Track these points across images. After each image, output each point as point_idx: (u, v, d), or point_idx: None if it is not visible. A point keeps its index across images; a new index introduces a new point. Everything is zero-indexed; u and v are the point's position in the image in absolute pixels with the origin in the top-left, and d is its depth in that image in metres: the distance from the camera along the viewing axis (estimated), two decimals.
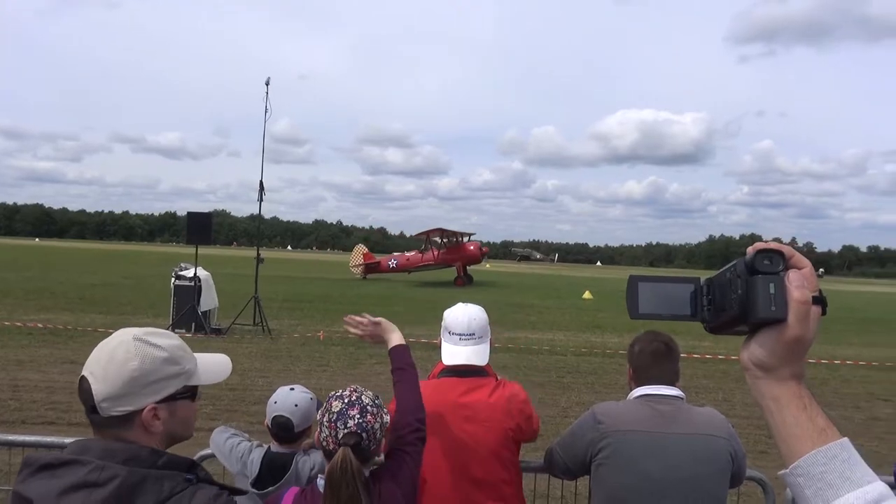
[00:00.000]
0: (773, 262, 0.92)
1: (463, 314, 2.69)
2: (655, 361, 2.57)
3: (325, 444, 1.90)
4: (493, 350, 2.73)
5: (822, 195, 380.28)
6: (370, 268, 37.54)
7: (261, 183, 14.59)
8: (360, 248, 39.81)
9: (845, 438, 0.90)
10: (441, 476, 2.47)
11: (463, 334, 2.65)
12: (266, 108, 14.46)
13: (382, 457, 2.09)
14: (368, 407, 1.93)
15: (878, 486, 0.86)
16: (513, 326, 18.33)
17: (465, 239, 37.69)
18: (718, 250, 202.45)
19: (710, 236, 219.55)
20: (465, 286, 34.07)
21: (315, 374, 10.19)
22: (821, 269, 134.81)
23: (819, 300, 0.92)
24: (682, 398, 2.56)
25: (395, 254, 39.23)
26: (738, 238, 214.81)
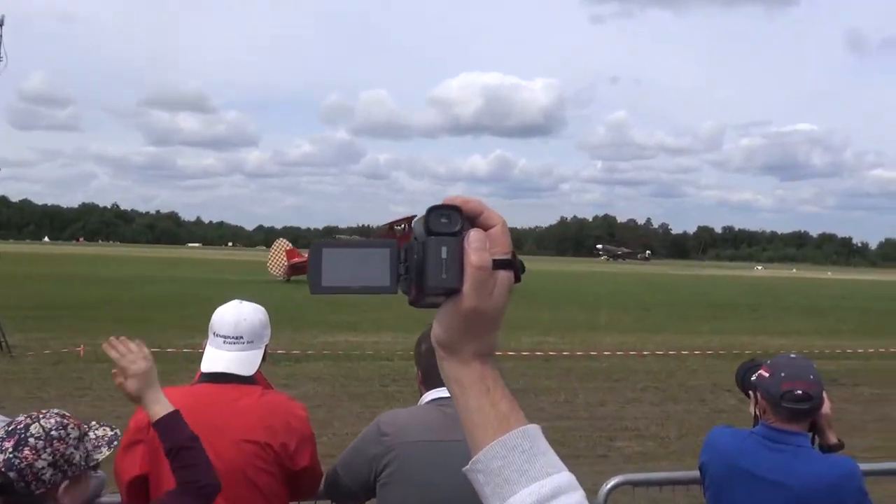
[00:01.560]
0: (450, 219, 0.93)
1: (232, 313, 2.67)
2: (430, 363, 2.62)
3: None
4: (266, 359, 2.72)
5: (677, 171, 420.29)
6: (297, 268, 36.91)
7: None
8: (283, 245, 39.28)
9: (531, 426, 0.93)
10: None
11: (228, 336, 2.63)
12: None
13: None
14: (32, 439, 1.84)
15: (557, 479, 0.89)
16: (330, 329, 18.50)
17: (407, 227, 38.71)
18: (571, 234, 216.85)
19: (562, 218, 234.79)
20: None
21: (72, 400, 9.81)
22: (647, 251, 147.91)
23: (507, 264, 0.93)
24: None
25: None
26: (590, 220, 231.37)
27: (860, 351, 17.27)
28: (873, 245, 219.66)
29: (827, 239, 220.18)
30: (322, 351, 14.62)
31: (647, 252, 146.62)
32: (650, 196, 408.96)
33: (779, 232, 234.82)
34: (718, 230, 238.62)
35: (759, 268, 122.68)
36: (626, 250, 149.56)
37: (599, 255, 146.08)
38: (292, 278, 37.15)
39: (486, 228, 0.94)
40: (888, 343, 19.05)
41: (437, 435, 2.42)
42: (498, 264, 0.93)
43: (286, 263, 38.01)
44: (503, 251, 0.94)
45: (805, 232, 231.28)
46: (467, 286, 0.91)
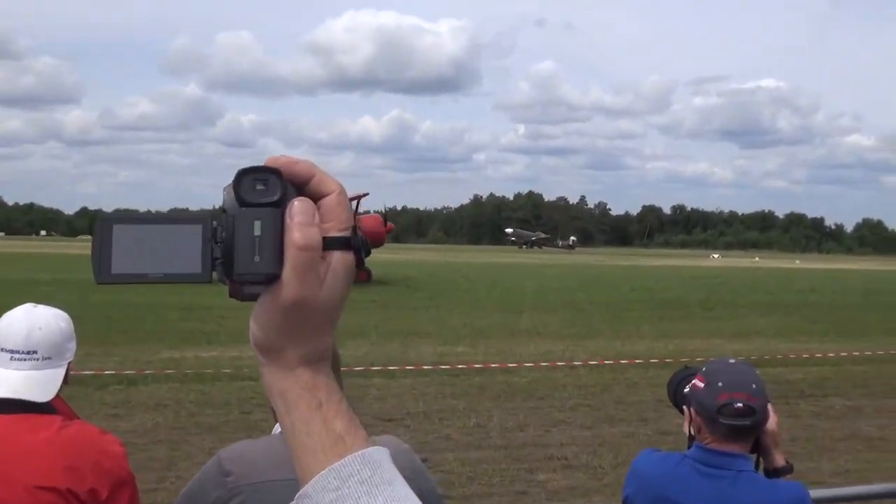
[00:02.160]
0: (268, 185, 0.91)
1: (21, 319, 2.62)
2: None
3: None
4: (69, 381, 2.68)
5: (617, 137, 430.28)
6: None
7: None
8: None
9: (372, 448, 0.93)
10: None
11: (17, 351, 2.58)
12: None
13: None
14: None
15: None
16: (176, 341, 18.16)
17: (356, 206, 39.46)
18: (487, 216, 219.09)
19: (476, 197, 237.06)
20: (368, 282, 37.43)
21: None
22: (572, 238, 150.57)
23: (344, 243, 0.92)
24: None
25: None
26: (511, 199, 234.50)
27: (831, 355, 18.22)
28: (849, 227, 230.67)
29: (795, 220, 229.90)
30: (165, 370, 14.35)
31: (572, 238, 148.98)
32: (584, 169, 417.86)
33: (739, 212, 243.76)
34: (667, 210, 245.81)
35: (716, 256, 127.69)
36: (542, 235, 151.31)
37: (511, 242, 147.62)
38: None
39: (317, 198, 0.93)
40: (864, 345, 20.18)
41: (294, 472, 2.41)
42: (331, 243, 0.91)
43: None
44: (339, 227, 0.92)
45: (770, 212, 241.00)
46: (288, 271, 0.90)
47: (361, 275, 39.10)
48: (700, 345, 19.70)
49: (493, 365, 15.89)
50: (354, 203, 40.25)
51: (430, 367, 15.46)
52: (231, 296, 0.96)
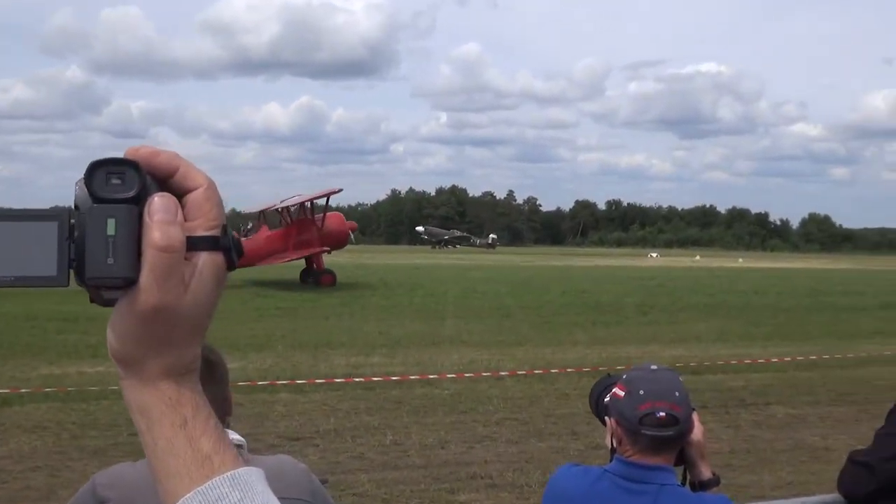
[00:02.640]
0: (124, 179, 0.89)
1: None
2: None
3: None
4: None
5: (547, 127, 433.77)
6: None
7: None
8: None
9: (243, 469, 0.93)
10: None
11: None
12: None
13: None
14: None
15: None
16: (57, 355, 17.82)
17: (325, 202, 40.45)
18: (407, 213, 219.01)
19: (395, 192, 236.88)
20: (333, 286, 38.47)
21: None
22: (491, 236, 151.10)
23: (212, 243, 0.92)
24: (238, 445, 2.78)
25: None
26: (433, 194, 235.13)
27: (774, 361, 18.69)
28: (795, 222, 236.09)
29: (738, 215, 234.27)
30: (44, 388, 14.06)
31: (492, 236, 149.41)
32: (512, 161, 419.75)
33: (678, 207, 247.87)
34: (602, 206, 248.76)
35: (654, 255, 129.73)
36: (457, 233, 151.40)
37: (423, 240, 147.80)
38: None
39: (183, 193, 0.92)
40: (809, 349, 20.77)
41: None
42: (197, 243, 0.91)
43: None
44: (207, 225, 0.92)
45: (711, 207, 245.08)
46: (146, 275, 0.88)
47: (326, 278, 39.70)
48: (635, 352, 20.04)
49: (412, 377, 15.94)
50: (323, 200, 40.85)
51: (342, 379, 15.44)
52: (92, 301, 0.95)
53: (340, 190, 44.09)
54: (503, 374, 16.49)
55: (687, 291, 42.43)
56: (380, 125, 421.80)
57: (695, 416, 2.90)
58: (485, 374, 16.47)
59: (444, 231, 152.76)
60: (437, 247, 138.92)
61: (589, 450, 10.92)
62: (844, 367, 18.41)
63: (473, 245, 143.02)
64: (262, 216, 43.02)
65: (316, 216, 40.41)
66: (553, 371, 16.82)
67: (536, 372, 16.66)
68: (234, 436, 2.92)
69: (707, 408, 13.64)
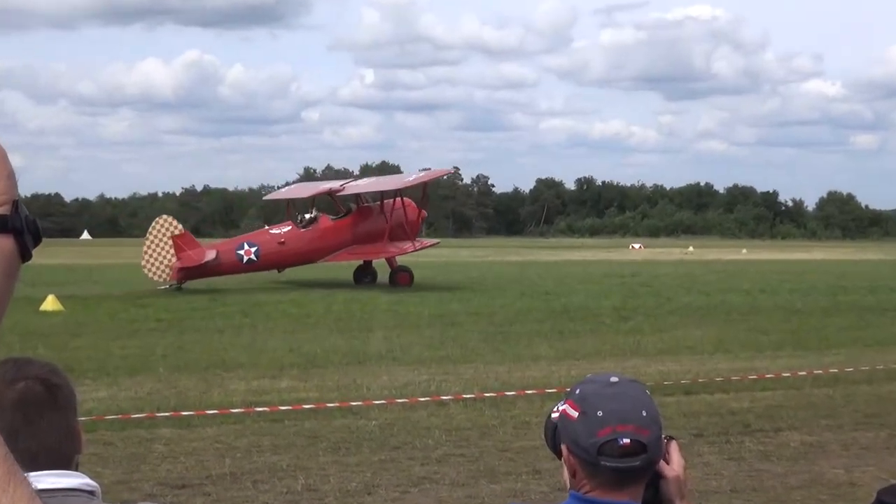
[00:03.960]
0: None
1: None
2: (26, 419, 2.78)
3: None
4: None
5: (500, 86, 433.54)
6: (193, 268, 42.42)
7: None
8: (169, 225, 43.24)
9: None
10: None
11: None
12: None
13: None
14: None
15: None
16: None
17: (423, 188, 46.20)
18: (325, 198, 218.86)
19: (309, 171, 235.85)
20: (410, 285, 43.72)
21: None
22: (308, 215, 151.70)
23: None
24: (88, 492, 2.82)
25: (247, 236, 48.56)
26: (357, 172, 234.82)
27: (786, 376, 18.86)
28: (810, 203, 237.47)
29: (741, 195, 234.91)
30: None
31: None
32: (457, 130, 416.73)
33: (666, 186, 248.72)
34: (570, 185, 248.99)
35: (637, 246, 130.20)
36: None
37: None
38: (184, 283, 42.47)
39: None
40: (829, 361, 21.01)
41: None
42: None
43: (175, 261, 42.16)
44: None
45: (707, 185, 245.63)
46: None
47: (402, 277, 44.29)
48: (613, 366, 20.09)
49: (331, 404, 15.88)
50: (424, 182, 47.10)
51: (240, 409, 15.34)
52: None
53: (457, 169, 48.65)
54: (446, 398, 16.50)
55: (678, 291, 42.70)
56: (289, 87, 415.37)
57: (672, 445, 2.89)
58: (423, 399, 16.46)
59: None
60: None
61: (555, 491, 10.93)
62: (872, 383, 18.65)
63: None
64: (313, 203, 49.15)
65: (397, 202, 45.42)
66: (509, 394, 16.85)
67: (488, 395, 16.67)
68: (82, 480, 2.87)
69: (703, 436, 13.78)
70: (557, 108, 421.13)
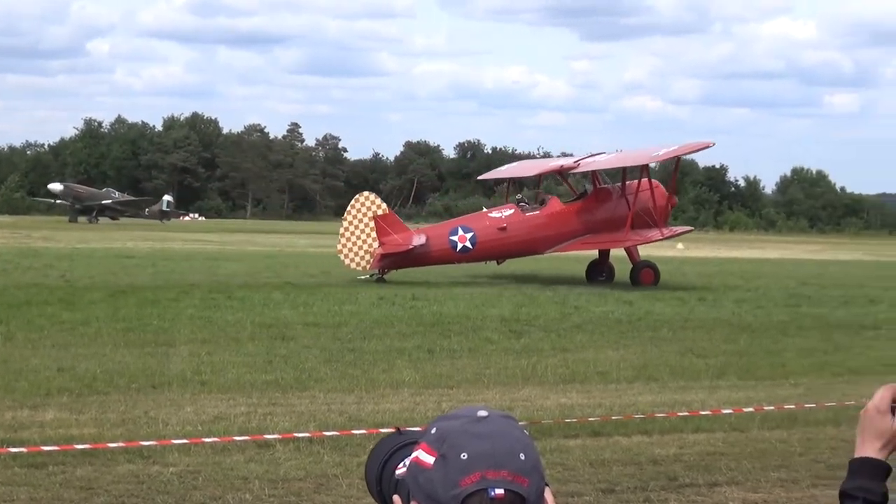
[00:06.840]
0: None
1: None
2: None
3: None
4: None
5: (360, 15, 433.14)
6: (399, 254, 47.65)
7: None
8: (371, 203, 48.85)
9: None
10: None
11: None
12: None
13: None
14: None
15: None
16: None
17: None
18: (113, 163, 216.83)
19: (92, 125, 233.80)
20: (656, 283, 48.60)
21: None
22: (167, 199, 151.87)
23: None
24: None
25: (462, 219, 54.73)
26: (159, 128, 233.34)
27: (727, 412, 19.14)
28: (769, 183, 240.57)
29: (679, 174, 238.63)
30: None
31: (167, 199, 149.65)
32: (299, 74, 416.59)
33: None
34: (450, 153, 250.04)
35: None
36: (116, 195, 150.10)
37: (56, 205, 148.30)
38: (386, 272, 47.96)
39: None
40: (782, 394, 21.41)
41: None
42: None
43: (377, 247, 47.33)
44: None
45: None
46: None
47: (645, 274, 48.73)
48: (499, 397, 20.34)
49: (113, 444, 15.77)
50: (678, 158, 52.02)
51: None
52: None
53: (712, 144, 53.71)
54: (272, 437, 16.48)
55: (589, 297, 43.06)
56: (68, 9, 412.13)
57: (548, 495, 2.94)
58: (239, 438, 16.42)
59: (86, 190, 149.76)
60: (91, 219, 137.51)
61: None
62: (840, 425, 18.74)
63: (143, 215, 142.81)
64: (540, 183, 54.44)
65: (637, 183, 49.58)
66: (358, 432, 16.90)
67: (329, 434, 16.70)
68: None
69: (615, 491, 14.00)
70: (437, 47, 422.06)
